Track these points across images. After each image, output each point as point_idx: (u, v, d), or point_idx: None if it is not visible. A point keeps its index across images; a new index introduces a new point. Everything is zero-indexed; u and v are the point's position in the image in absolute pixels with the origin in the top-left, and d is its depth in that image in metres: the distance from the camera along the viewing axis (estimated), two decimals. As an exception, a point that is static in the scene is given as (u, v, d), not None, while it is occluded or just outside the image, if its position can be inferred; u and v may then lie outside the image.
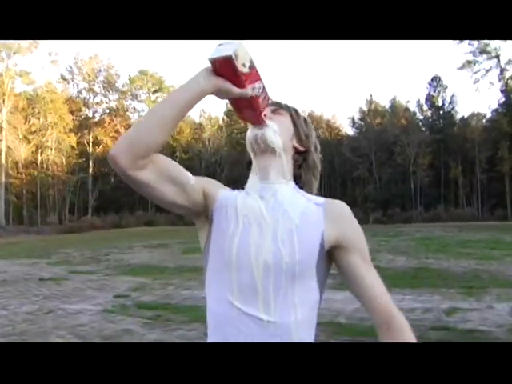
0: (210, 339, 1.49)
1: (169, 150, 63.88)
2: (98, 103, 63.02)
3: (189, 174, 1.52)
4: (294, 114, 1.67)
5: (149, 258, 18.54)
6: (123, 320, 7.88)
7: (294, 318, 1.42)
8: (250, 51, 1.43)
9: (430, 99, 60.90)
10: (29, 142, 53.70)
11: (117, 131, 62.26)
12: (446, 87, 60.76)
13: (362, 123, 63.04)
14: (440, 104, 60.86)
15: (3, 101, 49.75)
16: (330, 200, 1.56)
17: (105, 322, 7.72)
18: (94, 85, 61.21)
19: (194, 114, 74.15)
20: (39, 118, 54.41)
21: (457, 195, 56.19)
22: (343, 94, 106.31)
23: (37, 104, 53.91)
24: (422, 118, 62.32)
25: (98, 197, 58.90)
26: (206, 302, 1.53)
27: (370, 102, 63.31)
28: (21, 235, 40.46)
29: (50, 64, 57.82)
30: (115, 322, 7.71)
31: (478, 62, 57.84)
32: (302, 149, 1.63)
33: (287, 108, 1.68)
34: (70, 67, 60.42)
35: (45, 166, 55.37)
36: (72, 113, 58.28)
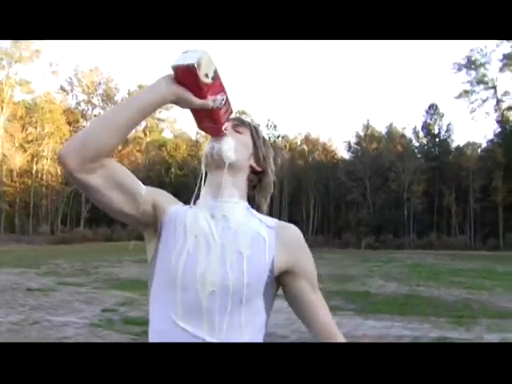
0: None
1: (164, 166, 63.97)
2: (96, 115, 63.08)
3: (140, 184, 1.48)
4: (254, 132, 1.63)
5: (138, 273, 18.37)
6: (109, 335, 7.77)
7: (241, 340, 1.39)
8: (215, 61, 1.39)
9: (426, 127, 61.24)
10: (25, 151, 53.63)
11: (113, 144, 62.50)
12: (443, 115, 61.18)
13: (358, 148, 63.21)
14: (436, 132, 61.20)
15: (1, 108, 49.77)
16: (282, 223, 1.53)
17: (90, 336, 7.62)
18: (92, 97, 61.39)
19: (191, 131, 74.41)
20: (36, 128, 54.40)
21: (450, 223, 56.25)
22: (340, 118, 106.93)
23: (35, 113, 53.92)
24: (417, 145, 62.60)
25: (90, 209, 58.66)
26: (149, 320, 1.47)
27: (367, 127, 63.57)
28: (11, 244, 40.18)
29: (50, 74, 58.08)
30: (101, 337, 7.61)
31: (474, 91, 58.52)
32: (258, 169, 1.59)
33: (248, 125, 1.63)
34: (70, 78, 60.69)
35: (39, 175, 55.23)
36: (69, 124, 58.30)
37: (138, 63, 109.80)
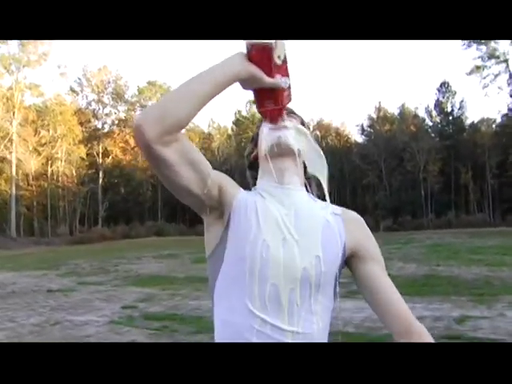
0: None
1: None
2: (107, 114, 63.42)
3: (209, 165, 1.43)
4: (303, 121, 1.65)
5: (158, 269, 18.51)
6: (129, 331, 7.82)
7: (317, 327, 1.39)
8: (287, 48, 1.41)
9: (439, 105, 60.68)
10: (39, 154, 54.03)
11: (126, 142, 62.61)
12: (455, 93, 60.55)
13: (371, 130, 62.87)
14: (449, 110, 60.61)
15: (13, 113, 50.11)
16: (345, 210, 1.55)
17: (111, 334, 7.66)
18: (103, 96, 61.61)
19: (203, 124, 74.38)
20: (49, 130, 54.76)
21: (468, 201, 55.85)
22: (352, 102, 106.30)
23: (46, 116, 54.27)
24: (431, 124, 62.06)
25: (107, 207, 59.07)
26: (216, 312, 1.44)
27: (379, 109, 63.16)
28: (31, 247, 40.62)
29: (59, 76, 58.35)
30: (121, 334, 7.65)
31: (486, 66, 57.62)
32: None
33: (299, 116, 1.64)
34: (79, 79, 60.93)
35: (55, 177, 55.68)
36: (81, 124, 58.64)
37: (147, 60, 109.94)
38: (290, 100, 1.49)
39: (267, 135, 1.50)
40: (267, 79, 1.38)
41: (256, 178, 1.59)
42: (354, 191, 60.01)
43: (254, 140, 1.62)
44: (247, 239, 1.38)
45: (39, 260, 25.52)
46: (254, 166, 1.62)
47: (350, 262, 1.48)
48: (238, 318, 1.37)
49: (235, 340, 1.36)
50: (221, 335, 1.42)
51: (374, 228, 50.18)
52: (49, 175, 54.74)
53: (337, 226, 1.46)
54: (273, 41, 1.33)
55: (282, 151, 1.48)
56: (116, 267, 19.47)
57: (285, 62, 1.41)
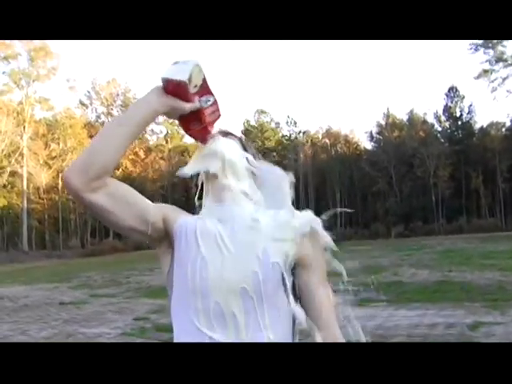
0: None
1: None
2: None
3: (147, 200, 1.48)
4: (242, 138, 1.66)
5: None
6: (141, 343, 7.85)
7: (268, 340, 1.38)
8: (205, 69, 1.41)
9: (447, 110, 60.59)
10: (49, 168, 54.41)
11: (136, 154, 62.91)
12: (464, 97, 60.42)
13: (380, 137, 62.79)
14: (458, 114, 60.49)
15: (24, 128, 50.57)
16: (297, 214, 1.51)
17: (123, 346, 7.70)
18: (112, 109, 62.01)
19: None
20: (59, 144, 55.18)
21: (479, 206, 55.59)
22: (360, 109, 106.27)
23: (56, 130, 54.71)
24: (440, 129, 61.93)
25: (119, 219, 59.41)
26: (174, 332, 1.46)
27: (387, 116, 63.08)
28: (43, 260, 40.84)
29: (68, 90, 58.82)
30: (133, 346, 7.69)
31: (494, 70, 57.44)
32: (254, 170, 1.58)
33: (235, 136, 1.64)
34: (88, 92, 61.44)
35: (66, 190, 56.05)
36: (91, 137, 58.99)
37: (155, 71, 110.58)
38: (217, 116, 1.50)
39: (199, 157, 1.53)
40: (186, 106, 1.41)
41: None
42: (364, 198, 59.86)
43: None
44: (188, 259, 1.41)
45: (51, 273, 25.66)
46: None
47: (295, 269, 1.47)
48: (187, 337, 1.40)
49: None
50: None
51: (385, 234, 50.06)
52: (60, 188, 55.05)
53: (279, 235, 1.45)
54: (186, 77, 1.35)
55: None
56: (128, 279, 19.54)
57: (203, 84, 1.42)
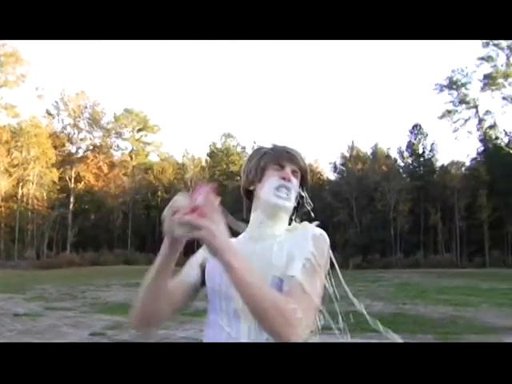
0: None
1: (151, 189, 63.96)
2: (82, 139, 63.11)
3: (186, 281, 1.76)
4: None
5: (127, 297, 18.34)
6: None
7: (266, 340, 1.57)
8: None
9: (410, 146, 61.97)
10: (10, 175, 53.42)
11: (99, 168, 62.26)
12: (427, 135, 62.01)
13: (344, 168, 63.71)
14: (420, 151, 61.94)
15: (-14, 133, 49.67)
16: (302, 224, 1.80)
17: (79, 359, 7.66)
18: (79, 121, 61.44)
19: (177, 154, 74.48)
20: (22, 152, 54.26)
21: (436, 242, 56.68)
22: (325, 140, 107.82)
23: (20, 137, 53.84)
24: (402, 164, 63.24)
25: (77, 233, 58.34)
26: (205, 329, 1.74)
27: (352, 148, 64.12)
28: (-4, 269, 39.85)
29: (36, 98, 58.13)
30: (90, 360, 7.66)
31: (457, 111, 59.45)
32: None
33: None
34: (56, 102, 60.75)
35: (25, 199, 54.98)
36: (55, 148, 58.22)
37: (125, 87, 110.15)
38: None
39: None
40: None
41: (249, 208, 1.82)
42: (324, 228, 59.23)
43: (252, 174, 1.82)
44: (218, 271, 1.60)
45: (5, 283, 25.07)
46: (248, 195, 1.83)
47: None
48: (211, 331, 1.68)
49: None
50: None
51: (343, 265, 50.49)
52: (19, 197, 54.03)
53: (286, 242, 1.68)
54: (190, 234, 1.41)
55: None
56: (84, 293, 19.33)
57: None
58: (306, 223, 1.81)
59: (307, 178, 1.87)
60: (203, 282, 1.76)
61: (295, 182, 1.78)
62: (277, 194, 1.71)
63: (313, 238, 1.71)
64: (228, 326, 1.62)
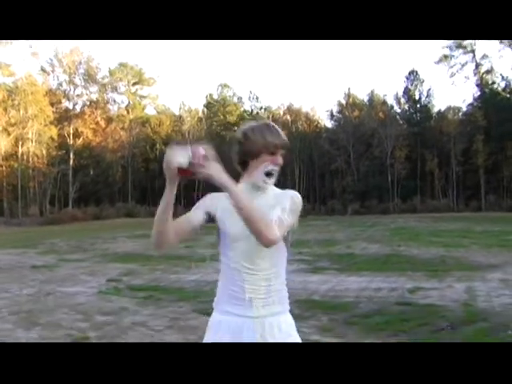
0: None
1: (149, 143, 64.21)
2: (78, 95, 62.88)
3: (190, 215, 2.30)
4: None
5: (133, 247, 19.16)
6: (118, 299, 8.62)
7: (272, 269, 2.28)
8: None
9: (407, 93, 61.84)
10: (9, 135, 53.55)
11: (97, 123, 62.32)
12: (423, 81, 61.79)
13: (341, 116, 63.79)
14: (417, 98, 61.83)
15: (-17, 93, 49.56)
16: (284, 192, 2.40)
17: (102, 302, 8.45)
18: (74, 77, 61.08)
19: (174, 106, 74.27)
20: (19, 110, 54.22)
21: (433, 187, 57.33)
22: (322, 87, 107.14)
23: (17, 96, 53.70)
24: (399, 111, 63.23)
25: (78, 188, 58.95)
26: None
27: (348, 96, 64.03)
28: (1, 227, 40.60)
29: (30, 56, 57.70)
30: (111, 301, 8.46)
31: (453, 56, 59.30)
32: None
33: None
34: (51, 59, 60.26)
35: (25, 158, 55.29)
36: (52, 105, 58.13)
37: (118, 41, 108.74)
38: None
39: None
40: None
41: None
42: (322, 176, 60.98)
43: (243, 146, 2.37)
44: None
45: (14, 239, 25.83)
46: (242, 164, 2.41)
47: None
48: (231, 266, 2.25)
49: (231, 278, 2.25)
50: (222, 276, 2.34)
51: (341, 211, 51.48)
52: (19, 156, 54.31)
53: (278, 203, 2.23)
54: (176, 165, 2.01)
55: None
56: (93, 246, 20.04)
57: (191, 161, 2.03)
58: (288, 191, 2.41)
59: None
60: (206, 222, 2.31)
61: (281, 160, 2.36)
62: (265, 179, 2.29)
63: (291, 197, 2.30)
64: (246, 262, 2.21)
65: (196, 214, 2.30)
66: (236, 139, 2.40)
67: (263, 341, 2.14)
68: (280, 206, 2.20)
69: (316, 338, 5.75)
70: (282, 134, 2.37)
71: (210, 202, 2.33)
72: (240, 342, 2.07)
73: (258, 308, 2.19)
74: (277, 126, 2.39)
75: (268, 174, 2.29)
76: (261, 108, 65.30)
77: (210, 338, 2.25)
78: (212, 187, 2.12)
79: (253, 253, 2.20)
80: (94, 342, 5.50)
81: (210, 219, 2.32)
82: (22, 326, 6.74)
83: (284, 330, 2.22)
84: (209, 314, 2.34)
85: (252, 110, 66.09)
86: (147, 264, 13.58)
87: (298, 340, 2.25)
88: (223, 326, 2.21)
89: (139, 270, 12.40)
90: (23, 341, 5.85)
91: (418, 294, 8.58)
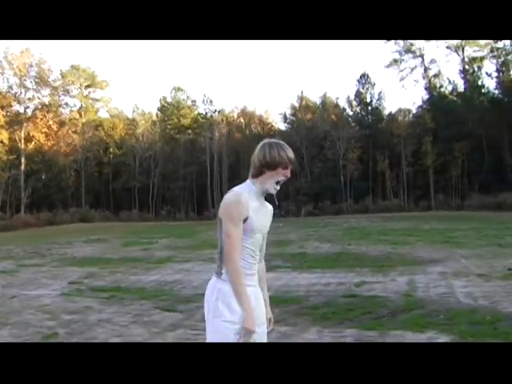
0: None
1: (102, 146, 63.73)
2: (29, 99, 61.91)
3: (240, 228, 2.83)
4: None
5: (91, 252, 19.35)
6: (82, 300, 9.00)
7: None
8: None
9: (358, 96, 63.20)
10: (-42, 139, 52.43)
11: (49, 127, 61.42)
12: (374, 84, 63.26)
13: (294, 119, 64.81)
14: (368, 100, 63.37)
15: None
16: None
17: (66, 302, 8.82)
18: (25, 80, 60.14)
19: (127, 109, 73.82)
20: (-33, 114, 53.11)
21: (384, 187, 58.77)
22: (275, 91, 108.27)
23: (-35, 100, 52.58)
24: (351, 113, 64.61)
25: (30, 194, 58.05)
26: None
27: (301, 98, 65.10)
28: (-48, 234, 39.69)
29: (-22, 59, 56.48)
30: (76, 302, 8.84)
31: (403, 60, 61.35)
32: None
33: None
34: (0, 61, 59.21)
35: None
36: (2, 108, 57.09)
37: (69, 43, 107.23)
38: None
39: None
40: None
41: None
42: (277, 178, 61.69)
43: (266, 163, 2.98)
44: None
45: (-32, 246, 25.45)
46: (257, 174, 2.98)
47: None
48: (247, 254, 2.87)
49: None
50: None
51: (295, 213, 52.38)
52: (-29, 161, 53.22)
53: (270, 211, 3.07)
54: None
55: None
56: (50, 251, 20.01)
57: None
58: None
59: None
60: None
61: (290, 174, 2.98)
62: (275, 187, 2.92)
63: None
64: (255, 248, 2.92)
65: (241, 230, 2.81)
66: (259, 152, 3.00)
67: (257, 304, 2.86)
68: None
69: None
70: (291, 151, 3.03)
71: (243, 209, 2.81)
72: (238, 343, 2.59)
73: (255, 279, 2.93)
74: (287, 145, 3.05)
75: (277, 183, 2.92)
76: (215, 111, 65.67)
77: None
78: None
79: (260, 241, 2.96)
80: (80, 342, 5.90)
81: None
82: (-8, 325, 7.08)
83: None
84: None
85: (206, 113, 66.39)
86: (106, 267, 13.92)
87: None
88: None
89: (99, 273, 12.73)
90: (-6, 339, 6.22)
91: (363, 287, 9.32)
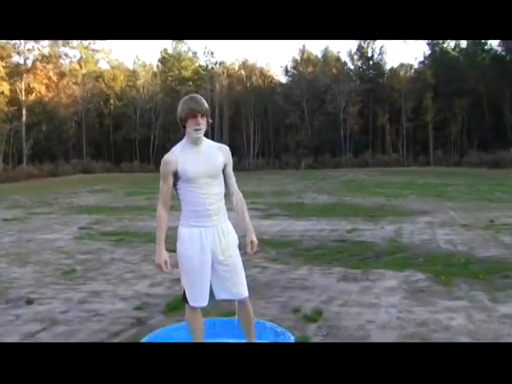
0: None
1: (103, 98, 63.72)
2: (29, 49, 61.60)
3: (172, 191, 3.47)
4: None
5: (96, 201, 20.01)
6: (94, 243, 9.72)
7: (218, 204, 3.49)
8: None
9: (360, 50, 62.97)
10: None
11: (49, 78, 61.29)
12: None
13: (295, 72, 64.64)
14: (370, 54, 63.14)
15: None
16: (221, 145, 3.60)
17: (80, 245, 9.54)
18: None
19: (128, 61, 73.47)
20: None
21: (384, 142, 59.12)
22: (276, 43, 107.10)
23: None
24: (352, 67, 64.46)
25: (32, 145, 58.40)
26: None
27: (303, 52, 64.78)
28: (-44, 185, 40.18)
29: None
30: (88, 244, 9.57)
31: (406, 14, 60.62)
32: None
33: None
34: (0, 12, 58.64)
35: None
36: (2, 59, 56.85)
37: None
38: None
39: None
40: None
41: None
42: (277, 131, 62.01)
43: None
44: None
45: (-25, 195, 26.00)
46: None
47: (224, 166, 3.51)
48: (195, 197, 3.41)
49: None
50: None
51: (295, 166, 53.00)
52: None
53: (219, 152, 3.44)
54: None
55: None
56: (56, 200, 20.64)
57: None
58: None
59: (209, 114, 3.44)
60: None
61: (203, 121, 3.33)
62: (194, 134, 3.34)
63: (228, 151, 3.57)
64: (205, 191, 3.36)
65: (170, 184, 3.40)
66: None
67: (218, 240, 3.38)
68: (229, 163, 3.52)
69: (265, 265, 7.18)
70: (202, 102, 3.37)
71: (169, 166, 3.34)
72: (236, 342, 3.15)
73: (213, 219, 3.37)
74: (199, 97, 3.44)
75: (196, 130, 3.32)
76: (216, 63, 65.45)
77: (185, 245, 3.43)
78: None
79: (208, 184, 3.34)
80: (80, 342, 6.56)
81: (176, 177, 3.40)
82: (16, 264, 7.80)
83: (229, 231, 3.46)
84: (174, 251, 3.47)
85: (207, 65, 66.17)
86: (113, 214, 14.62)
87: (236, 236, 3.50)
88: (194, 235, 3.38)
89: (107, 220, 13.44)
90: (18, 276, 6.93)
91: (353, 233, 10.07)
